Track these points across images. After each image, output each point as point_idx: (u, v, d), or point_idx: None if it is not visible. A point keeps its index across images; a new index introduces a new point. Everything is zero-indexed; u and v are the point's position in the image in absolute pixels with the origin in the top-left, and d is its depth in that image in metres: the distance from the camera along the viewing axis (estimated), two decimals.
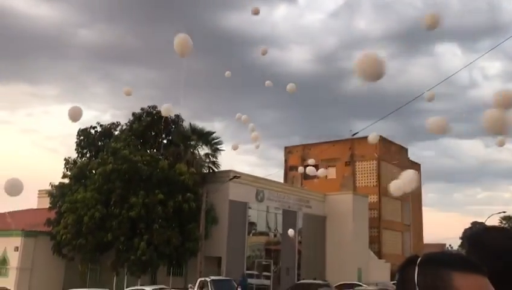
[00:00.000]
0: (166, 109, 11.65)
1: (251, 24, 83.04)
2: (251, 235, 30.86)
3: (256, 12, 11.61)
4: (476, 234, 1.26)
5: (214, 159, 28.76)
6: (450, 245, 74.36)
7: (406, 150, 46.73)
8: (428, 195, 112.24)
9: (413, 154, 43.65)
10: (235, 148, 14.58)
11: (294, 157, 46.23)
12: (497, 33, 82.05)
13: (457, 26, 74.75)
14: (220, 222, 27.58)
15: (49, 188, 27.41)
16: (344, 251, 34.24)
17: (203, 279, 22.21)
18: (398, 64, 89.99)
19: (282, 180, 43.00)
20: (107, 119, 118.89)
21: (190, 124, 29.01)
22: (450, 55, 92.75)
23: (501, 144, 9.42)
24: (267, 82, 14.75)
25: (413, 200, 45.43)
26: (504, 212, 57.88)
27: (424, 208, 50.40)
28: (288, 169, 46.42)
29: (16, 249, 26.04)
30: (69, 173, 26.95)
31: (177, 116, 29.54)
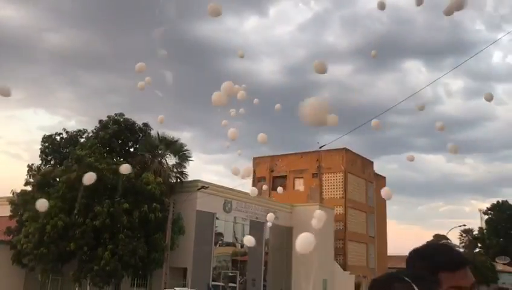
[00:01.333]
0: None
1: (222, 34, 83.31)
2: (218, 246, 30.73)
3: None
4: (379, 283, 1.37)
5: (182, 169, 28.60)
6: None
7: (372, 163, 47.64)
8: (392, 207, 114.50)
9: (378, 167, 44.63)
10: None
11: (263, 168, 46.42)
12: (459, 51, 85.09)
13: (422, 43, 77.12)
14: (186, 233, 27.34)
15: (11, 195, 26.61)
16: (310, 262, 34.44)
17: None
18: (365, 79, 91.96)
19: (249, 191, 43.05)
20: (72, 125, 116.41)
21: (158, 133, 28.79)
22: (415, 71, 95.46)
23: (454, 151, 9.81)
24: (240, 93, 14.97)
25: (377, 213, 46.28)
26: (464, 225, 59.76)
27: (388, 221, 51.36)
28: (257, 180, 46.53)
29: None
30: (32, 180, 26.25)
31: (145, 124, 29.30)
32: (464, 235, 72.04)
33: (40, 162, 27.92)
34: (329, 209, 37.52)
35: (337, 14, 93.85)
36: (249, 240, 21.28)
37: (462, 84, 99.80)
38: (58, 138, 28.30)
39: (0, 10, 69.52)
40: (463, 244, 72.45)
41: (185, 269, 27.67)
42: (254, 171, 47.24)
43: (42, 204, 12.85)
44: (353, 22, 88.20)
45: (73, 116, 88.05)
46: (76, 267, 24.06)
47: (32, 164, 27.37)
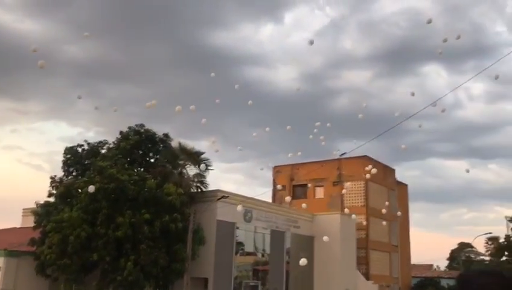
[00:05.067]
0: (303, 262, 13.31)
1: (238, 42, 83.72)
2: (238, 255, 30.63)
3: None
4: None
5: (202, 179, 28.63)
6: (437, 266, 74.44)
7: (393, 170, 47.02)
8: (414, 215, 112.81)
9: (399, 174, 44.08)
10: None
11: (283, 177, 46.21)
12: (480, 54, 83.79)
13: (441, 46, 76.09)
14: (207, 243, 27.33)
15: (34, 206, 27.02)
16: (332, 271, 34.08)
17: None
18: (384, 84, 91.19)
19: (270, 200, 42.89)
20: (91, 136, 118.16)
21: (180, 143, 28.91)
22: (434, 75, 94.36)
23: None
24: (250, 102, 15.44)
25: (400, 221, 45.54)
26: (490, 233, 58.39)
27: (411, 229, 50.54)
28: (277, 189, 46.34)
29: None
30: (54, 191, 26.62)
31: (166, 134, 29.51)
32: (490, 243, 70.41)
33: (62, 173, 28.33)
34: (351, 217, 37.09)
35: (354, 20, 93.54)
36: (303, 262, 21.39)
37: (484, 88, 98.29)
38: (80, 149, 28.67)
39: (19, 23, 71.17)
40: (489, 252, 70.80)
41: (206, 279, 27.61)
42: (274, 180, 47.09)
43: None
44: (370, 27, 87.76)
45: (92, 128, 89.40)
46: (99, 277, 24.24)
47: (55, 176, 27.79)
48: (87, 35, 15.88)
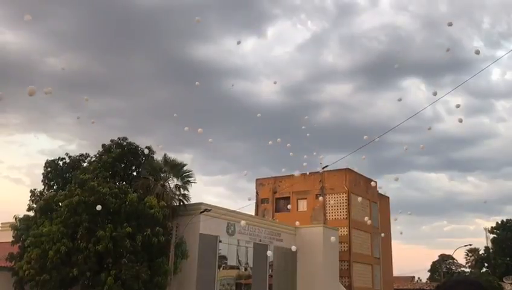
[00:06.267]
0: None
1: (220, 55, 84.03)
2: (221, 269, 30.43)
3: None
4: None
5: (185, 192, 28.50)
6: (419, 278, 74.96)
7: (375, 183, 47.37)
8: (396, 227, 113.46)
9: (380, 186, 44.43)
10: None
11: (266, 190, 46.24)
12: (458, 68, 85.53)
13: (420, 61, 77.59)
14: (189, 256, 27.10)
15: (13, 221, 26.51)
16: (315, 284, 34.05)
17: None
18: (364, 97, 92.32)
19: (253, 213, 42.81)
20: (73, 149, 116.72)
21: (165, 155, 28.80)
22: (414, 89, 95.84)
23: None
24: (258, 114, 16.05)
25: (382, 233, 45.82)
26: (470, 245, 59.13)
27: (392, 241, 50.85)
28: (260, 201, 46.32)
29: None
30: (34, 205, 26.18)
31: (148, 147, 29.33)
32: (470, 254, 71.28)
33: (42, 187, 27.90)
34: (333, 229, 37.24)
35: (335, 34, 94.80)
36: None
37: (462, 102, 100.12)
38: (60, 162, 28.31)
39: (0, 35, 70.38)
40: (469, 264, 71.64)
41: None
42: (257, 193, 47.08)
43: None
44: (351, 41, 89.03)
45: (74, 140, 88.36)
46: None
47: (35, 189, 27.35)
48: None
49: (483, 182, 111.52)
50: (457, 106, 17.03)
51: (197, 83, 19.33)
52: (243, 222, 21.74)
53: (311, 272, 34.28)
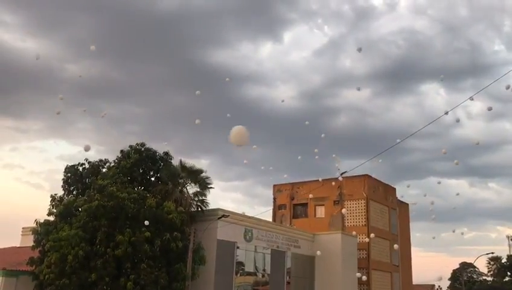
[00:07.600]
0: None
1: (237, 61, 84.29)
2: (238, 275, 30.33)
3: None
4: None
5: (203, 198, 28.53)
6: (439, 286, 73.65)
7: (394, 189, 46.88)
8: (415, 235, 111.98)
9: (399, 193, 43.83)
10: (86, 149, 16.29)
11: (283, 196, 46.10)
12: (478, 72, 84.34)
13: (440, 65, 76.79)
14: (207, 262, 27.09)
15: (34, 225, 26.83)
16: None
17: None
18: (382, 102, 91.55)
19: (270, 219, 42.66)
20: (91, 155, 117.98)
21: (181, 161, 28.94)
22: (433, 93, 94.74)
23: None
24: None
25: (401, 240, 45.24)
26: (492, 253, 57.95)
27: (412, 248, 50.14)
28: (277, 208, 46.18)
29: None
30: (54, 210, 26.48)
31: (166, 153, 29.49)
32: (492, 263, 69.80)
33: (62, 192, 28.22)
34: (352, 236, 36.86)
35: (352, 38, 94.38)
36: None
37: (482, 106, 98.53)
38: (80, 168, 28.61)
39: (20, 42, 71.75)
40: (491, 272, 70.13)
41: None
42: (274, 199, 46.95)
43: None
44: (369, 46, 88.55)
45: (92, 146, 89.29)
46: None
47: (56, 194, 27.65)
48: (93, 49, 16.35)
49: (505, 188, 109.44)
50: (489, 109, 16.88)
51: (197, 92, 19.40)
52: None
53: (329, 280, 33.96)
